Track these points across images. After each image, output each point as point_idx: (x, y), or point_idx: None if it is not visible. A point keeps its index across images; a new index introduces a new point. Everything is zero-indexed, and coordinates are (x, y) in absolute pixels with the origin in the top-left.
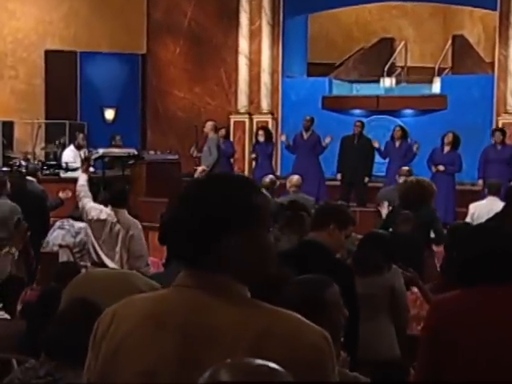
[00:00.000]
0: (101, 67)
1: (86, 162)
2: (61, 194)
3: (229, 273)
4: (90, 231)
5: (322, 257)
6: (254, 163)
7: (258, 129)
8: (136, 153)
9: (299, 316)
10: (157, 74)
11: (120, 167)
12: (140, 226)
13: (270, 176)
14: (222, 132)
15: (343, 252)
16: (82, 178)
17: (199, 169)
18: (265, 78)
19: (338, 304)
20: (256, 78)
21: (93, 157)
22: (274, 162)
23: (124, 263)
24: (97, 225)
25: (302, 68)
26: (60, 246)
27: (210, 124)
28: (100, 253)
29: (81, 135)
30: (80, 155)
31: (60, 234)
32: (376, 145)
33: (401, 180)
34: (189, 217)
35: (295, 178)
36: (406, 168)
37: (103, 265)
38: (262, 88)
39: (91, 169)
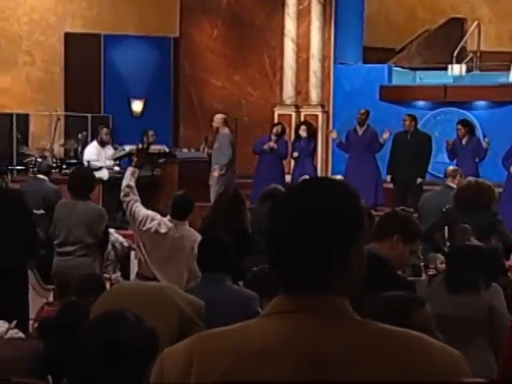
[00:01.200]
0: (127, 52)
1: (140, 153)
2: None
3: (337, 290)
4: (140, 242)
5: (380, 272)
6: (294, 162)
7: (299, 123)
8: (167, 150)
9: (427, 337)
10: (191, 61)
11: (149, 167)
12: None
13: (307, 177)
14: (278, 129)
15: (405, 268)
16: (130, 176)
17: (215, 174)
18: (314, 65)
19: (429, 328)
20: (304, 65)
21: (122, 153)
22: (320, 161)
23: (182, 284)
24: (152, 238)
25: (358, 53)
26: None
27: (219, 117)
28: (153, 269)
29: (104, 129)
30: (140, 144)
31: None
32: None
33: (448, 182)
34: (306, 228)
35: (338, 178)
36: (451, 167)
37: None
38: (310, 77)
39: (116, 168)
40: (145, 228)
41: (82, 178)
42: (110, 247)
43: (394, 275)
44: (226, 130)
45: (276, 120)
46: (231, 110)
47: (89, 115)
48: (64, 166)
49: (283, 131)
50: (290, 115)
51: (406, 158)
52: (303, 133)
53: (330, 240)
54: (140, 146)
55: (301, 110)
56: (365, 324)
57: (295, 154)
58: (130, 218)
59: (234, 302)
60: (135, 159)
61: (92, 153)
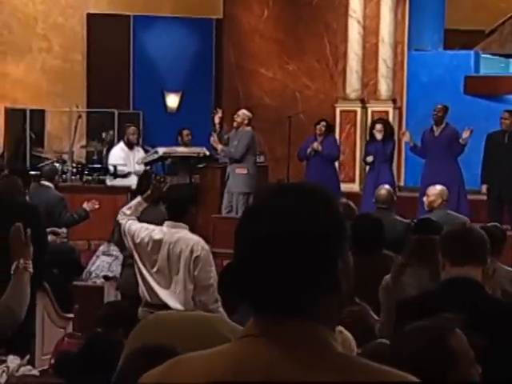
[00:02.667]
0: (162, 37)
1: (158, 187)
2: (85, 205)
3: (318, 315)
4: (137, 259)
5: (488, 303)
6: (367, 169)
7: (373, 122)
8: (207, 153)
9: (407, 375)
10: (237, 47)
11: (186, 172)
12: (207, 247)
13: (386, 186)
14: (321, 127)
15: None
16: (134, 209)
17: (240, 171)
18: (384, 51)
19: (468, 354)
20: (372, 52)
21: (154, 156)
22: (395, 168)
23: (189, 298)
24: (149, 250)
25: (437, 37)
26: (106, 278)
27: (244, 113)
28: (156, 288)
29: (131, 128)
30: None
31: (105, 263)
32: None
33: None
34: (285, 240)
35: (438, 188)
36: None
37: (164, 306)
38: (380, 65)
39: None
40: (138, 240)
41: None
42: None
43: (506, 306)
44: (249, 129)
45: (338, 118)
46: (284, 105)
47: (115, 111)
48: (86, 172)
49: (329, 128)
50: (355, 112)
51: (502, 165)
52: (378, 134)
53: (310, 255)
54: (159, 177)
55: (368, 105)
56: (343, 357)
57: (369, 159)
58: (124, 237)
59: None
60: (149, 192)
61: (118, 156)
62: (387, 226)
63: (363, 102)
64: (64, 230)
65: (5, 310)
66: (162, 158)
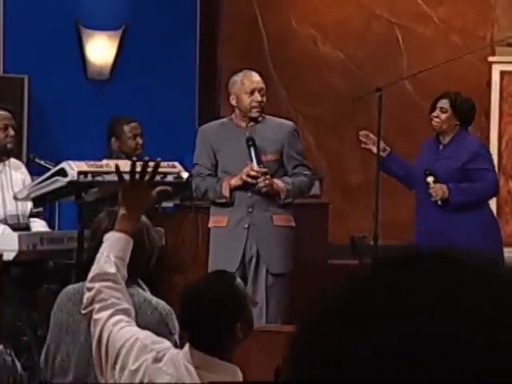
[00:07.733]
0: None
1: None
2: None
3: None
4: None
5: None
6: None
7: None
8: (184, 176)
9: None
10: None
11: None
12: (240, 373)
13: None
14: (440, 120)
15: None
16: (108, 256)
17: (263, 183)
18: None
19: None
20: None
21: (55, 184)
22: None
23: None
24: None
25: None
26: None
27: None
28: None
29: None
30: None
31: None
32: None
33: None
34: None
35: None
36: None
37: None
38: None
39: (38, 225)
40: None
41: None
42: None
43: None
44: (290, 123)
45: (495, 86)
46: (369, 62)
47: None
48: None
49: (466, 117)
50: None
51: None
52: None
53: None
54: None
55: None
56: None
57: None
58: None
59: None
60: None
61: None
62: None
63: None
64: None
65: None
66: (78, 187)
